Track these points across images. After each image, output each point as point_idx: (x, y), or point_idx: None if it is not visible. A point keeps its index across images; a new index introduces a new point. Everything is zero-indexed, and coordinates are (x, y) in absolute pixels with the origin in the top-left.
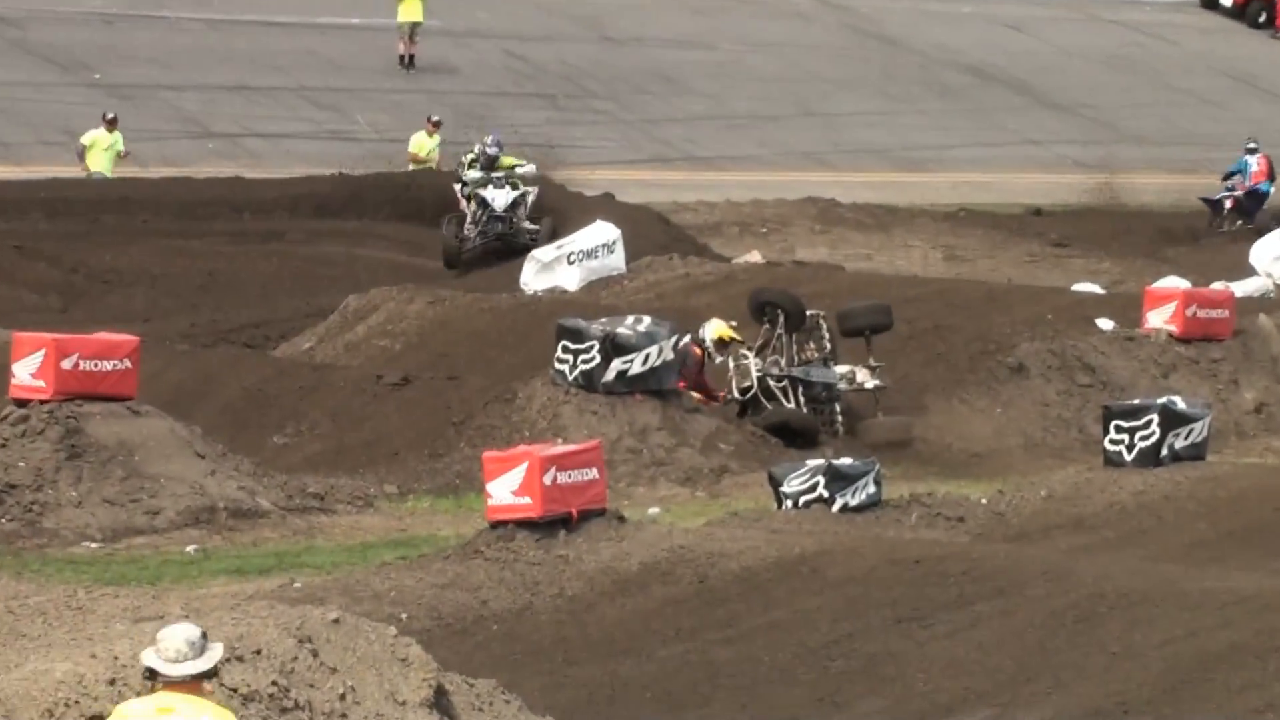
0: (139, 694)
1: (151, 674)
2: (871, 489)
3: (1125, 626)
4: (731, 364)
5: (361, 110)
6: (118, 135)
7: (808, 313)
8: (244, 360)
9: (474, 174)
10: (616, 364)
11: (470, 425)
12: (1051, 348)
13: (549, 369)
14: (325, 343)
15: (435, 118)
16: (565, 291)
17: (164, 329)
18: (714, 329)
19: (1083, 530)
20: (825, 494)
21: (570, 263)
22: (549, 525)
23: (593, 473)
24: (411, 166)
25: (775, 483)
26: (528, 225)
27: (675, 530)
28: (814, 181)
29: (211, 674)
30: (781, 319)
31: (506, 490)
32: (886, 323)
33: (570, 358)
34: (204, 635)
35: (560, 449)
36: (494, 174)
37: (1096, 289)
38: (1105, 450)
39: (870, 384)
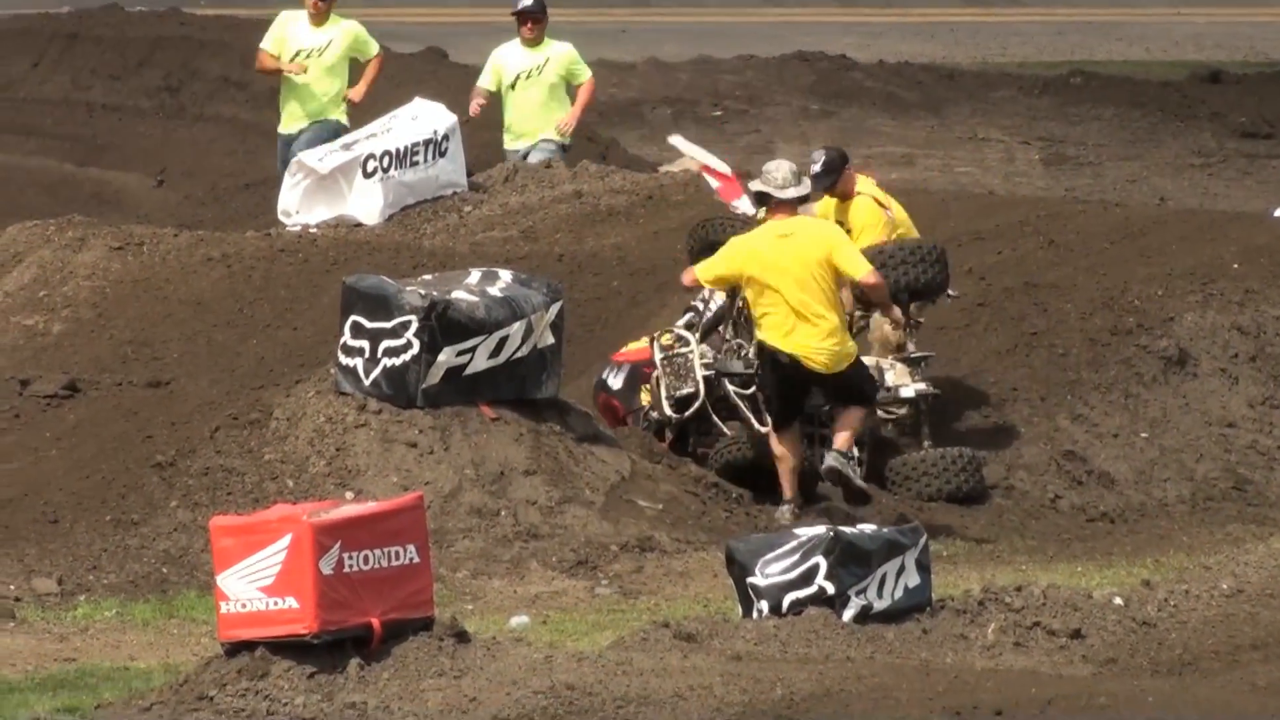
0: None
1: (762, 199)
2: (913, 579)
3: None
4: (658, 354)
5: None
6: None
7: None
8: None
9: None
10: (448, 355)
11: (187, 469)
12: (1239, 322)
13: (329, 366)
14: None
15: None
16: (359, 225)
17: None
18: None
19: None
20: (829, 589)
21: (368, 173)
22: (329, 649)
23: (409, 553)
24: None
25: (740, 569)
26: None
27: (559, 657)
28: (810, 23)
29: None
30: None
31: (252, 586)
32: (937, 280)
33: (366, 346)
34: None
35: (350, 510)
36: None
37: None
38: None
39: (909, 389)
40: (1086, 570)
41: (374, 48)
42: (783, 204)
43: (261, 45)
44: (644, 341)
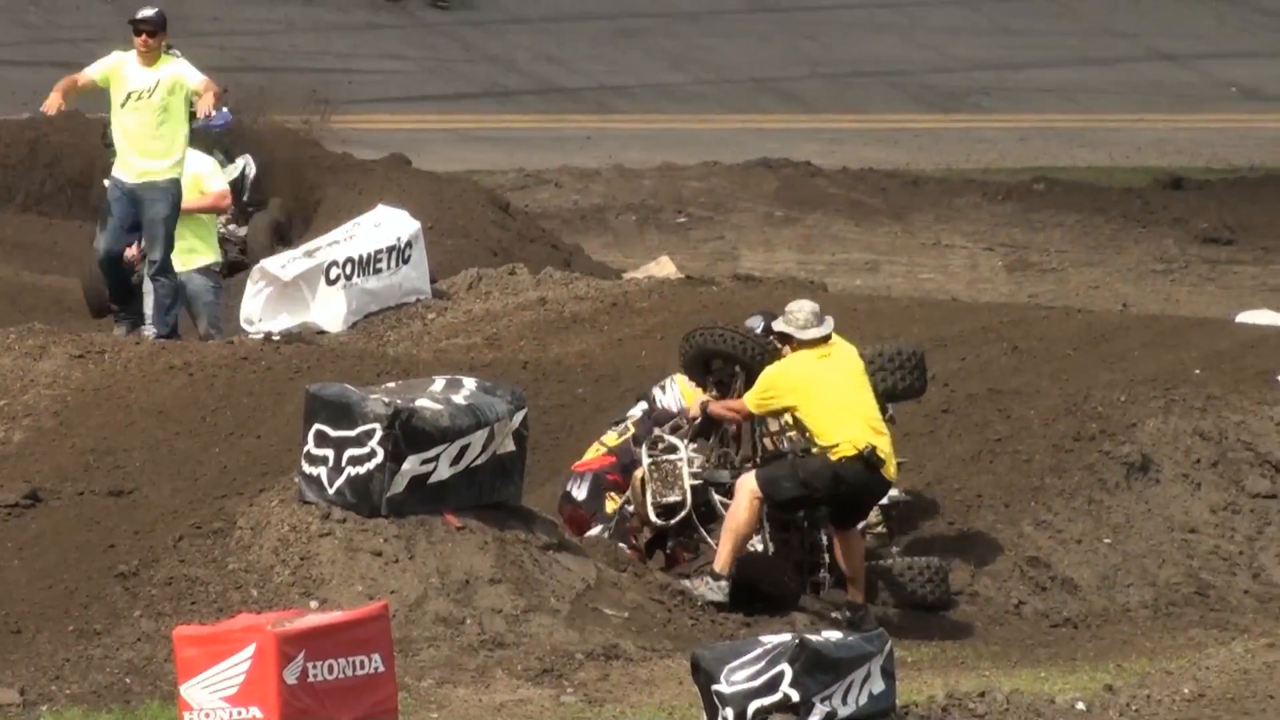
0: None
1: (784, 339)
2: (878, 685)
3: None
4: (645, 457)
5: None
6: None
7: None
8: None
9: None
10: (413, 464)
11: (150, 578)
12: (1201, 428)
13: (293, 475)
14: None
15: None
16: (322, 333)
17: None
18: (683, 389)
19: None
20: (794, 696)
21: (331, 280)
22: None
23: (374, 662)
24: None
25: (705, 676)
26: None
27: None
28: (774, 130)
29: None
30: (740, 381)
31: (215, 696)
32: (916, 385)
33: (330, 454)
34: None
35: (315, 620)
36: None
37: None
38: None
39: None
40: (1050, 676)
41: (197, 80)
42: (804, 344)
43: (86, 70)
44: (598, 448)
